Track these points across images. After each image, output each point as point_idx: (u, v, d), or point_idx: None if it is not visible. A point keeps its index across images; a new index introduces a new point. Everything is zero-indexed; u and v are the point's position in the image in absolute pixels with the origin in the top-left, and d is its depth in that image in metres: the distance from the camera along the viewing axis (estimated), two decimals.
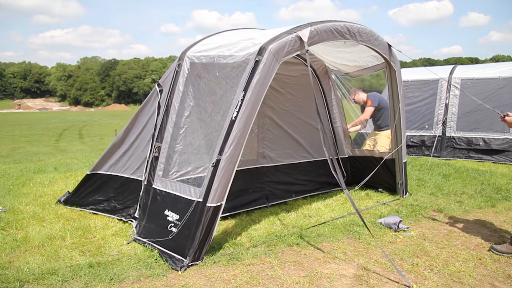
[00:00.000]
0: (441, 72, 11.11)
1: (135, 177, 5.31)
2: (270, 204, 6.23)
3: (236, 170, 5.87)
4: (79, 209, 5.81)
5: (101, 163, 5.74)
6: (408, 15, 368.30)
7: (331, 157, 4.10)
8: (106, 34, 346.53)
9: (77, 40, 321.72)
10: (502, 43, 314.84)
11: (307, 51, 4.50)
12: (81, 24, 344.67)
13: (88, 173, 5.82)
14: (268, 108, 6.46)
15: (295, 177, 6.78)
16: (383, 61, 6.14)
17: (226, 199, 4.22)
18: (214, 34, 5.62)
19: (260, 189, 6.28)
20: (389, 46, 5.98)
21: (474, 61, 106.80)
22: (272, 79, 6.32)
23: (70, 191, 6.27)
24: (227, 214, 5.50)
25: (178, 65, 5.10)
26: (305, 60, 6.83)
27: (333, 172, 4.09)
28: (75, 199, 5.97)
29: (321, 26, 4.75)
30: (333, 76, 7.25)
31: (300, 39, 4.47)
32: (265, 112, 6.44)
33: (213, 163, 4.10)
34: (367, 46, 5.63)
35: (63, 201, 6.10)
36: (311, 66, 6.96)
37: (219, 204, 4.09)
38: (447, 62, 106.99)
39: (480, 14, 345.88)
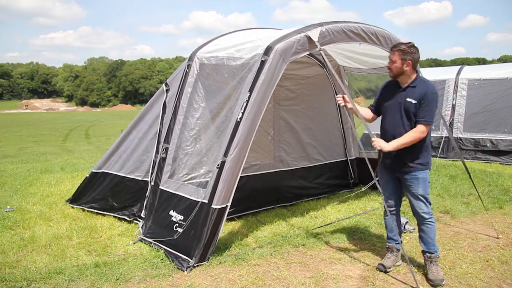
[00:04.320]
0: (448, 73, 11.06)
1: (132, 177, 5.31)
2: (277, 206, 6.22)
3: (253, 175, 5.94)
4: (79, 207, 5.83)
5: (104, 161, 5.76)
6: (405, 16, 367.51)
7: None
8: (107, 35, 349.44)
9: (78, 42, 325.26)
10: (503, 43, 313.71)
11: (320, 50, 4.40)
12: (81, 25, 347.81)
13: (94, 170, 5.84)
14: (283, 109, 6.45)
15: (309, 181, 6.77)
16: None
17: (236, 202, 4.21)
18: (225, 34, 5.57)
19: (274, 194, 6.26)
20: None
21: (482, 61, 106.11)
22: (287, 79, 6.37)
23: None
24: (235, 215, 5.50)
25: (188, 65, 5.09)
26: (319, 61, 6.81)
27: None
28: (77, 197, 5.99)
29: (333, 26, 4.60)
30: (346, 74, 7.17)
31: (310, 38, 4.38)
32: (280, 114, 6.43)
33: (218, 165, 4.09)
34: (385, 50, 5.29)
35: (70, 200, 6.12)
36: (325, 66, 6.94)
37: (224, 206, 4.08)
38: (454, 62, 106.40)
39: (479, 16, 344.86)
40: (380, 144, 3.74)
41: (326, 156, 7.08)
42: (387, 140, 3.86)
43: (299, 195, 6.55)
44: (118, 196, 5.47)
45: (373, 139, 3.81)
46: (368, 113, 4.15)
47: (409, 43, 3.78)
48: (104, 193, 5.62)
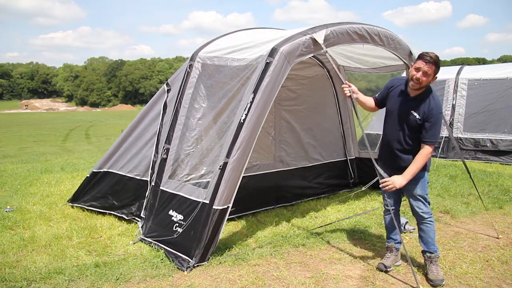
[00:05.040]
0: (448, 73, 11.06)
1: (131, 175, 5.31)
2: (277, 206, 6.22)
3: (253, 175, 5.92)
4: (79, 206, 5.82)
5: (104, 161, 5.74)
6: (404, 16, 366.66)
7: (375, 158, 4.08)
8: (107, 35, 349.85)
9: (78, 42, 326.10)
10: (502, 43, 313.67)
11: (326, 52, 4.40)
12: (81, 25, 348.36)
13: (94, 170, 5.82)
14: (284, 109, 6.45)
15: (308, 180, 6.78)
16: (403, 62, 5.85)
17: (237, 203, 4.21)
18: (227, 34, 5.56)
19: (274, 193, 6.26)
20: (410, 52, 5.71)
21: (482, 61, 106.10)
22: (288, 79, 6.32)
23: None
24: (235, 216, 5.49)
25: (189, 65, 5.08)
26: (320, 61, 6.81)
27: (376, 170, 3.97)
28: (77, 196, 5.98)
29: (338, 28, 4.57)
30: (345, 74, 7.15)
31: (315, 41, 4.37)
32: (281, 114, 6.43)
33: (220, 166, 4.08)
34: (387, 50, 5.38)
35: (71, 199, 6.10)
36: (325, 66, 6.95)
37: (226, 206, 4.08)
38: (454, 62, 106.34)
39: (478, 16, 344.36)
40: (395, 183, 3.68)
41: (325, 156, 7.08)
42: (387, 143, 3.94)
43: (299, 194, 6.55)
44: (118, 195, 5.46)
45: (386, 182, 3.72)
46: (371, 103, 4.14)
47: (433, 53, 3.59)
48: (104, 191, 5.62)
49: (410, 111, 3.70)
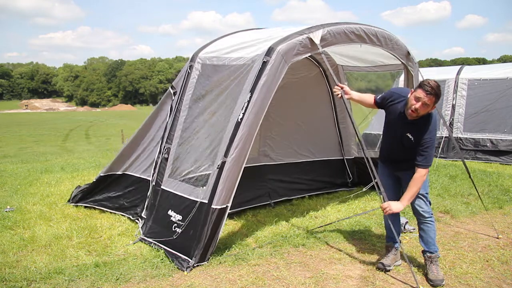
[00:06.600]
0: (448, 73, 11.07)
1: (144, 177, 5.32)
2: (273, 201, 6.24)
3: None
4: (86, 205, 5.82)
5: (116, 164, 5.71)
6: (403, 16, 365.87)
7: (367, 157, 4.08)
8: (106, 35, 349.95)
9: (77, 42, 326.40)
10: (501, 43, 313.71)
11: (323, 53, 4.40)
12: (80, 26, 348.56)
13: (102, 174, 5.79)
14: (272, 106, 6.43)
15: (296, 176, 6.79)
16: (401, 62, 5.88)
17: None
18: (228, 35, 5.57)
19: (262, 187, 6.30)
20: (408, 52, 5.72)
21: (481, 61, 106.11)
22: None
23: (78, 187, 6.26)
24: (231, 211, 5.46)
25: (190, 66, 5.09)
26: (315, 60, 6.80)
27: (370, 172, 3.99)
28: (85, 195, 5.97)
29: (335, 28, 4.58)
30: (343, 74, 7.15)
31: (311, 40, 4.37)
32: (269, 110, 6.41)
33: (218, 165, 4.08)
34: (385, 50, 5.39)
35: (72, 197, 6.08)
36: (321, 66, 6.94)
37: (225, 206, 4.08)
38: (454, 62, 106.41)
39: (478, 16, 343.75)
40: (392, 208, 3.71)
41: (316, 153, 7.09)
42: (387, 149, 4.03)
43: (289, 189, 6.58)
44: (130, 196, 5.50)
45: (383, 205, 3.77)
46: (370, 101, 4.15)
47: (435, 82, 3.51)
48: (118, 193, 5.65)
49: (406, 133, 3.72)
